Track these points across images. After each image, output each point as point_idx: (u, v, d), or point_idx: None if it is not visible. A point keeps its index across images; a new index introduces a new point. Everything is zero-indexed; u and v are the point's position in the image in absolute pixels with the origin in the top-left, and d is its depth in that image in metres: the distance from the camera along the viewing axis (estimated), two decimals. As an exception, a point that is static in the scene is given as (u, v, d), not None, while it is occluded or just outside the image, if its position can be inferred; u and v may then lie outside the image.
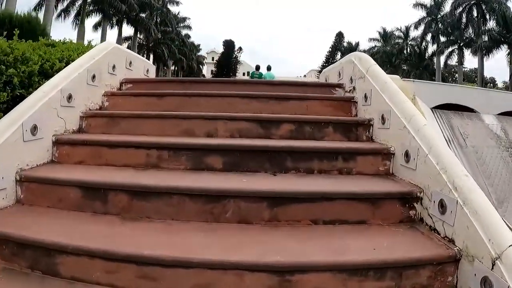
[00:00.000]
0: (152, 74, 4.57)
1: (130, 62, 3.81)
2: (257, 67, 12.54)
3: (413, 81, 7.87)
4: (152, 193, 1.88)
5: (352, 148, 2.29)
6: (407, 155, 2.12)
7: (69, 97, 2.64)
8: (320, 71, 46.68)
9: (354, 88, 3.19)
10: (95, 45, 3.61)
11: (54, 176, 2.07)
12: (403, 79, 4.76)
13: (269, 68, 12.33)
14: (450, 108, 8.21)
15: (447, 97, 8.16)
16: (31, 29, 6.79)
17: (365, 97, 2.86)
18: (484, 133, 8.16)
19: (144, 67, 4.31)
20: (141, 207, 1.90)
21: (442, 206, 1.75)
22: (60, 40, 3.96)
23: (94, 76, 3.00)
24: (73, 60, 2.99)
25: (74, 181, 2.01)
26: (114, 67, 3.39)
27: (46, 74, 2.77)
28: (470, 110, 8.51)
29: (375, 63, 2.97)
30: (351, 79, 3.27)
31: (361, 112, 2.95)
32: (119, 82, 3.53)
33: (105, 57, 3.21)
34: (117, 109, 3.08)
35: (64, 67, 2.84)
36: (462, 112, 8.25)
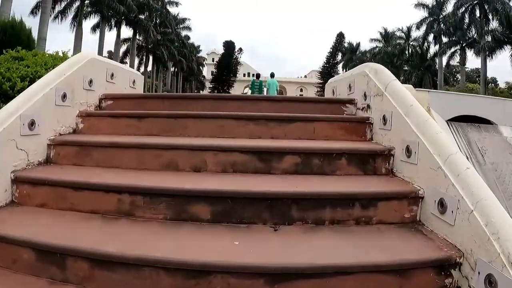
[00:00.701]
0: (139, 85, 4.13)
1: (112, 74, 3.37)
2: (257, 76, 12.31)
3: (428, 91, 7.28)
4: (117, 263, 1.45)
5: (372, 193, 1.84)
6: (442, 204, 1.68)
7: (32, 124, 2.22)
8: (321, 72, 46.56)
9: (368, 106, 2.76)
10: (71, 56, 3.19)
11: (2, 233, 1.65)
12: (416, 89, 4.30)
13: (272, 75, 12.27)
14: (464, 120, 7.62)
15: (465, 109, 7.55)
16: (15, 34, 6.38)
17: (384, 119, 2.43)
18: (502, 147, 7.46)
19: (129, 78, 3.87)
20: (106, 277, 1.48)
21: (491, 283, 1.33)
22: (36, 51, 3.53)
23: (64, 95, 2.57)
24: (40, 77, 2.57)
25: (25, 242, 1.59)
26: (91, 81, 2.96)
27: (6, 96, 2.35)
28: (487, 121, 7.92)
29: (394, 78, 2.52)
30: (364, 94, 2.83)
31: (378, 136, 2.52)
32: (98, 99, 3.10)
33: (79, 71, 2.78)
34: (92, 133, 2.67)
35: (28, 86, 2.42)
36: (479, 125, 7.59)
